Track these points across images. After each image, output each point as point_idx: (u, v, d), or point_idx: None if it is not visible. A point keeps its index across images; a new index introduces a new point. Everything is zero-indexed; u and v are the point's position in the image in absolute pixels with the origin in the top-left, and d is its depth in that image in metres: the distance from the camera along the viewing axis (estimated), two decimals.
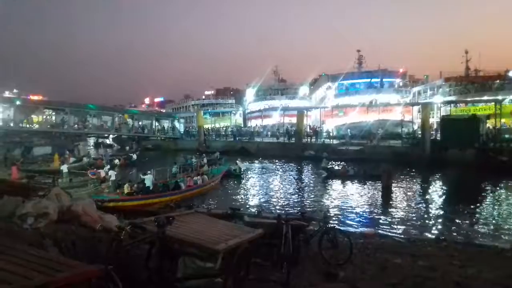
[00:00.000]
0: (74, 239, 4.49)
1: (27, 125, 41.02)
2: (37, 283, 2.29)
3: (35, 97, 68.58)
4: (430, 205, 16.78)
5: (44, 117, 42.09)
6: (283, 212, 13.08)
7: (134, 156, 33.64)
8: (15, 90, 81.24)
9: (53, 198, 5.39)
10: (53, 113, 43.35)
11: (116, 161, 30.70)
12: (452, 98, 41.58)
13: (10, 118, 37.65)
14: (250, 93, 66.42)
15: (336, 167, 25.56)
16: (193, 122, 56.05)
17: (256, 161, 33.09)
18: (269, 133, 44.69)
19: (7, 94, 67.55)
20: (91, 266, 2.73)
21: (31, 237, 4.24)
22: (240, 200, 18.33)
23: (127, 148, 45.34)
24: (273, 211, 14.36)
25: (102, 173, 20.86)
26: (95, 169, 22.59)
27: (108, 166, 22.99)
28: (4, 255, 2.69)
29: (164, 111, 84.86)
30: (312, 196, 19.21)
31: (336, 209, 15.77)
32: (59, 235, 4.43)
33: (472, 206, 15.77)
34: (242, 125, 59.34)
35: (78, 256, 4.06)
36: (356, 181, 21.91)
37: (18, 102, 39.44)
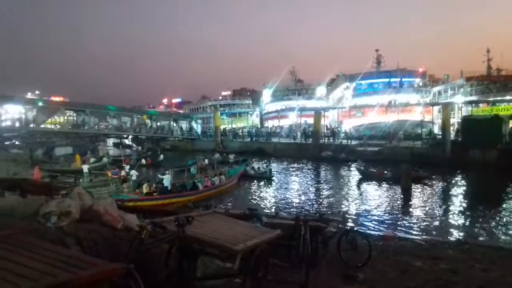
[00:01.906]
0: (95, 237, 4.55)
1: (50, 125, 41.92)
2: (61, 280, 2.32)
3: (57, 99, 70.09)
4: (450, 207, 16.46)
5: (65, 118, 42.94)
6: (301, 213, 13.03)
7: (161, 156, 33.97)
8: (37, 92, 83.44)
9: (75, 197, 5.48)
10: (74, 114, 44.18)
11: (143, 160, 31.34)
12: (474, 98, 40.71)
13: (32, 119, 38.58)
14: (267, 94, 66.34)
15: (373, 169, 24.18)
16: (210, 122, 56.40)
17: (273, 162, 33.07)
18: (293, 134, 44.14)
19: (29, 95, 69.38)
20: (114, 265, 2.76)
21: (54, 235, 4.31)
22: (257, 201, 18.35)
23: (139, 148, 45.97)
24: (291, 212, 14.32)
25: (123, 172, 21.21)
26: (116, 169, 22.96)
27: (128, 166, 23.32)
28: (29, 252, 2.75)
29: (181, 111, 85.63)
30: (331, 197, 19.09)
31: (355, 210, 15.63)
32: (81, 234, 4.49)
33: (494, 208, 15.42)
34: (259, 126, 59.38)
35: (100, 254, 4.11)
36: (392, 184, 20.59)
37: (40, 103, 40.35)
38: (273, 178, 24.22)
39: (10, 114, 40.88)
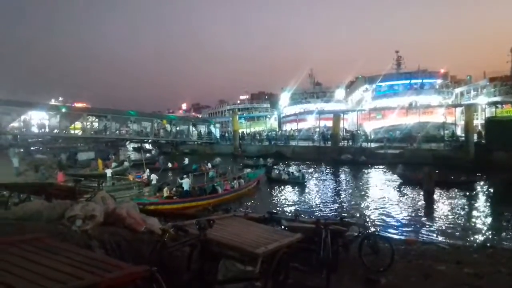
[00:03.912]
0: (119, 240, 4.63)
1: (73, 131, 42.87)
2: (88, 283, 2.36)
3: (79, 105, 71.63)
4: (474, 211, 16.07)
5: (88, 123, 43.88)
6: (322, 216, 12.94)
7: (186, 160, 34.39)
8: (60, 98, 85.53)
9: (99, 201, 5.59)
10: (96, 120, 45.11)
11: (169, 164, 31.85)
12: (497, 99, 39.69)
13: (56, 124, 39.56)
14: (285, 97, 66.37)
15: (411, 173, 22.87)
16: (229, 126, 56.69)
17: (292, 165, 32.94)
18: (315, 136, 43.46)
19: (53, 102, 71.14)
20: (138, 267, 2.80)
21: (79, 238, 4.41)
22: (277, 204, 18.32)
23: (152, 152, 46.56)
24: (311, 215, 14.22)
25: (145, 176, 21.56)
26: (140, 172, 23.34)
27: (148, 170, 23.64)
28: (57, 255, 2.81)
29: (200, 116, 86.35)
30: (351, 200, 18.90)
31: (376, 214, 15.41)
32: (105, 237, 4.58)
33: None
34: (277, 129, 59.36)
35: (123, 257, 4.19)
36: (437, 188, 19.14)
37: (64, 110, 41.33)
38: (306, 183, 23.40)
39: (35, 120, 41.96)
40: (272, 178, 24.53)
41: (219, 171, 24.51)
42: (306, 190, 21.95)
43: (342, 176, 28.12)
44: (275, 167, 28.50)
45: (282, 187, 22.87)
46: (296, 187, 22.45)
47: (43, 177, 21.39)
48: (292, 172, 24.94)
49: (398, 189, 21.25)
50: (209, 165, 28.61)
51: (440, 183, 20.06)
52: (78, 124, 43.64)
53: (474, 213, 15.68)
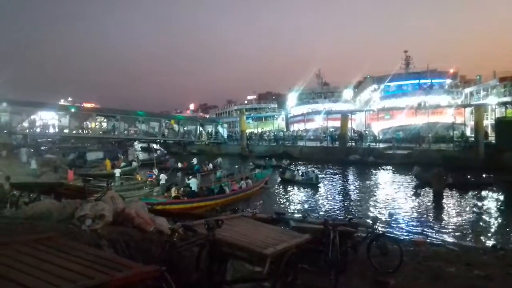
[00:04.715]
0: (128, 240, 4.66)
1: (85, 131, 43.25)
2: (98, 282, 2.38)
3: (88, 105, 72.14)
4: (484, 212, 15.90)
5: (97, 123, 44.18)
6: (330, 217, 12.90)
7: (195, 160, 34.61)
8: (69, 98, 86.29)
9: (108, 201, 5.63)
10: (105, 120, 45.41)
11: (179, 164, 32.10)
12: (507, 99, 39.23)
13: (65, 125, 39.96)
14: (292, 97, 66.25)
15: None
16: (236, 126, 56.72)
17: (300, 165, 32.87)
18: (327, 137, 42.72)
19: (62, 102, 71.81)
20: (148, 267, 2.82)
21: (89, 238, 4.44)
22: (284, 205, 18.29)
23: (158, 152, 46.84)
24: (319, 216, 14.19)
25: (153, 176, 21.71)
26: (152, 172, 23.51)
27: (156, 170, 23.78)
28: (68, 255, 2.83)
29: (207, 116, 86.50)
30: (360, 201, 18.80)
31: (385, 215, 15.29)
32: (114, 236, 4.61)
33: None
34: (285, 129, 59.28)
35: (132, 256, 4.21)
36: (455, 190, 19.37)
37: (73, 110, 41.71)
38: (319, 185, 22.87)
39: (44, 120, 42.40)
40: (285, 179, 24.44)
41: (223, 171, 24.57)
42: (314, 191, 21.84)
43: (350, 177, 28.02)
44: (289, 167, 28.47)
45: (294, 187, 22.77)
46: (308, 188, 22.22)
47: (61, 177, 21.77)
48: (306, 173, 24.54)
49: (407, 190, 21.10)
50: (210, 165, 28.72)
51: (453, 185, 19.92)
52: (87, 124, 44.04)
53: (485, 214, 15.52)
